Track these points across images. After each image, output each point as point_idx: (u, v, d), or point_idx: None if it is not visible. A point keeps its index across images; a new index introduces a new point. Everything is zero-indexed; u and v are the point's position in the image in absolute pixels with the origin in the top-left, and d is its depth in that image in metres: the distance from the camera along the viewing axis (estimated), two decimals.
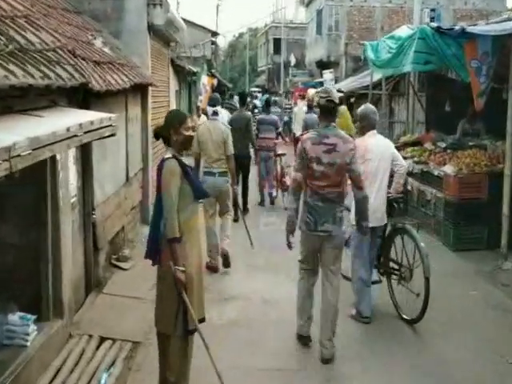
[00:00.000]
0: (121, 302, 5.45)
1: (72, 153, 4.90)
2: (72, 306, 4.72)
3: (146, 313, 4.81)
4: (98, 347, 4.48)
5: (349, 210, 4.98)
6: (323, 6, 26.59)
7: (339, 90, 17.02)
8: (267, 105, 11.78)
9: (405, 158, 7.23)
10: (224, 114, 11.17)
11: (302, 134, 5.00)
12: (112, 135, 4.16)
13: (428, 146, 9.55)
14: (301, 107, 16.34)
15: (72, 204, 4.92)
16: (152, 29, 8.84)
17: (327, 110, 4.53)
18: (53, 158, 4.16)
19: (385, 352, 4.73)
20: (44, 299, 4.31)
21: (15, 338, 3.87)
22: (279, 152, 10.98)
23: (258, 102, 24.53)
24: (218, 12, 34.71)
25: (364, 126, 5.37)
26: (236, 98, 21.92)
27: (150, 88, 8.58)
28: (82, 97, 4.89)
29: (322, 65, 26.59)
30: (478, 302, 5.86)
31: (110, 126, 4.05)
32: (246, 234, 6.86)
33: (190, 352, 3.82)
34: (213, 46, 28.62)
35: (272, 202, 10.63)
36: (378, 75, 11.97)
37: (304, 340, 4.78)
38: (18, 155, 2.56)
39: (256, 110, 21.06)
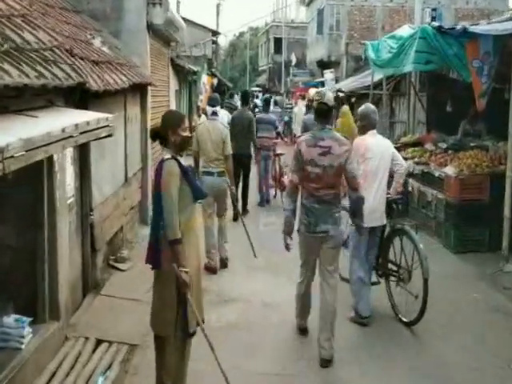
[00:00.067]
0: (118, 304, 5.41)
1: (69, 153, 4.86)
2: (68, 308, 4.68)
3: (143, 315, 4.74)
4: (94, 350, 4.44)
5: (346, 210, 4.96)
6: (324, 5, 26.54)
7: (340, 90, 17.00)
8: (266, 104, 11.84)
9: (405, 159, 7.20)
10: (223, 115, 11.16)
11: (300, 136, 5.02)
12: (109, 136, 4.11)
13: (429, 146, 9.50)
14: (301, 107, 16.34)
15: (69, 205, 4.88)
16: (151, 28, 8.81)
17: (321, 113, 4.57)
18: (49, 159, 4.11)
19: (383, 354, 4.70)
20: (40, 301, 4.27)
21: (10, 341, 3.82)
22: (278, 152, 11.04)
23: (258, 102, 24.55)
24: (218, 11, 34.51)
25: (364, 125, 5.37)
26: (236, 97, 21.93)
27: (149, 88, 8.54)
28: (80, 97, 4.84)
29: (323, 64, 26.55)
30: (478, 304, 5.81)
31: (107, 126, 4.00)
32: (246, 234, 6.80)
33: (187, 355, 3.80)
34: (213, 46, 28.62)
35: (267, 201, 10.62)
36: (378, 75, 11.93)
37: (302, 332, 4.99)
38: (12, 156, 2.51)
39: (257, 110, 21.05)
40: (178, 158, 3.65)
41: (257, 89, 41.08)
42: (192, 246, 3.69)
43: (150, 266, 3.71)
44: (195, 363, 3.94)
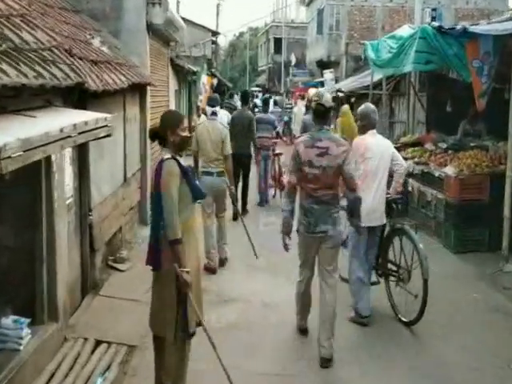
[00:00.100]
0: (117, 305, 5.39)
1: (68, 153, 4.85)
2: (67, 309, 4.66)
3: (142, 315, 4.71)
4: (93, 351, 4.42)
5: (345, 210, 4.97)
6: (324, 5, 26.54)
7: (339, 90, 16.99)
8: (265, 104, 11.88)
9: (405, 159, 7.18)
10: (223, 115, 11.17)
11: (299, 136, 5.04)
12: (108, 136, 4.10)
13: (429, 146, 9.49)
14: (300, 107, 16.33)
15: (68, 205, 4.86)
16: (151, 28, 8.80)
17: (319, 114, 4.60)
18: (47, 159, 4.09)
19: (383, 354, 4.70)
20: (38, 302, 4.25)
21: (8, 342, 3.80)
22: (277, 151, 11.09)
23: (258, 101, 24.55)
24: (218, 11, 34.51)
25: (364, 124, 5.38)
26: (236, 97, 21.93)
27: (148, 88, 8.53)
28: (79, 97, 4.83)
29: (323, 64, 26.54)
30: (478, 304, 5.80)
31: (106, 126, 3.98)
32: (246, 234, 6.78)
33: (187, 355, 3.78)
34: (213, 46, 28.61)
35: (266, 201, 10.62)
36: (378, 75, 11.91)
37: (302, 332, 4.98)
38: (9, 157, 2.50)
39: (256, 109, 21.06)
40: (178, 157, 3.64)
41: (257, 89, 41.08)
42: (191, 247, 3.68)
43: (151, 268, 3.70)
44: (195, 363, 3.93)
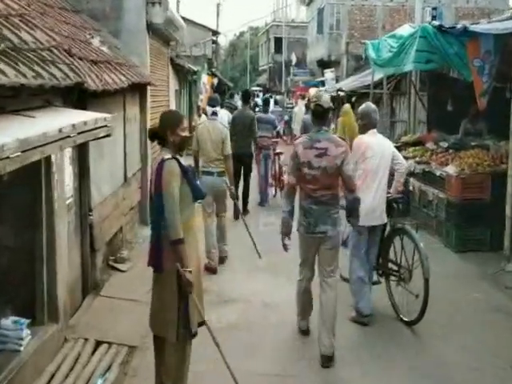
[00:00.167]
0: (118, 305, 5.38)
1: (68, 153, 4.84)
2: (67, 310, 4.65)
3: (143, 316, 4.69)
4: (93, 351, 4.41)
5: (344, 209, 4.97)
6: (324, 4, 26.51)
7: (340, 90, 16.96)
8: (265, 104, 11.88)
9: (406, 158, 7.17)
10: (223, 114, 11.17)
11: (299, 137, 5.06)
12: (107, 136, 4.08)
13: (430, 145, 9.47)
14: (301, 107, 16.32)
15: (68, 205, 4.85)
16: (151, 28, 8.79)
17: (317, 115, 4.62)
18: (47, 159, 4.08)
19: (384, 354, 4.68)
20: (38, 303, 4.24)
21: (8, 343, 3.79)
22: (277, 150, 11.12)
23: (259, 101, 24.52)
24: (218, 11, 34.47)
25: (365, 124, 5.38)
26: (237, 97, 21.93)
27: (148, 87, 8.52)
28: (78, 97, 4.81)
29: (323, 64, 26.53)
30: (479, 304, 5.78)
31: (105, 126, 3.97)
32: (247, 235, 6.77)
33: (187, 356, 3.75)
34: (213, 45, 28.58)
35: (266, 201, 10.62)
36: (379, 74, 11.89)
37: (303, 333, 4.97)
38: (7, 157, 2.49)
39: (257, 109, 21.04)
40: (178, 157, 3.63)
41: (257, 88, 41.04)
42: (192, 247, 3.66)
43: (153, 270, 3.67)
44: (195, 364, 3.91)
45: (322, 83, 24.40)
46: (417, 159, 9.00)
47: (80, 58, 5.01)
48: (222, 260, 6.88)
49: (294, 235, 4.78)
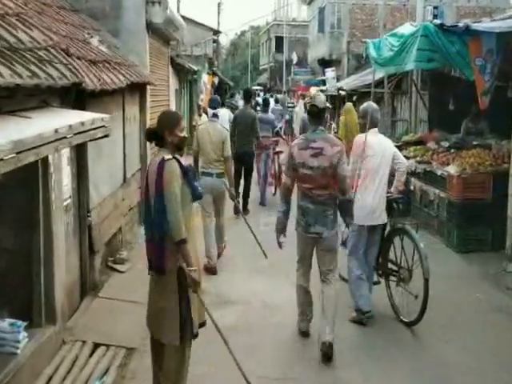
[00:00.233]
0: (117, 306, 5.34)
1: (66, 153, 4.80)
2: (65, 312, 4.60)
3: (141, 317, 4.62)
4: (91, 354, 4.37)
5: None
6: (325, 3, 26.46)
7: (341, 89, 16.93)
8: (265, 104, 11.88)
9: (407, 158, 7.13)
10: (225, 113, 11.20)
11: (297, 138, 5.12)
12: (105, 136, 4.04)
13: (431, 145, 9.43)
14: (301, 107, 16.23)
15: (66, 206, 4.82)
16: (151, 27, 8.76)
17: (313, 115, 4.69)
18: (44, 160, 4.04)
19: (384, 355, 4.66)
20: (36, 305, 4.20)
21: (5, 346, 3.74)
22: (277, 150, 11.17)
23: (260, 100, 24.47)
24: (219, 10, 34.41)
25: (366, 123, 5.37)
26: (238, 96, 21.87)
27: (148, 87, 8.48)
28: (77, 97, 4.77)
29: (324, 63, 26.48)
30: (481, 305, 5.74)
31: (103, 126, 3.92)
32: (245, 234, 6.74)
33: (187, 358, 3.70)
34: (214, 44, 28.53)
35: (265, 200, 10.55)
36: (380, 73, 11.82)
37: (303, 334, 4.97)
38: (1, 159, 2.45)
39: (258, 108, 21.01)
40: (178, 157, 3.59)
41: (258, 87, 41.00)
42: (191, 247, 3.62)
43: (156, 273, 3.61)
44: (195, 366, 3.86)
45: (323, 82, 24.36)
46: (418, 159, 8.96)
47: (78, 58, 4.97)
48: (218, 254, 6.88)
49: (292, 234, 4.83)
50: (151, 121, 8.47)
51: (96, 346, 4.50)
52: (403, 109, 13.10)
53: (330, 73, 23.96)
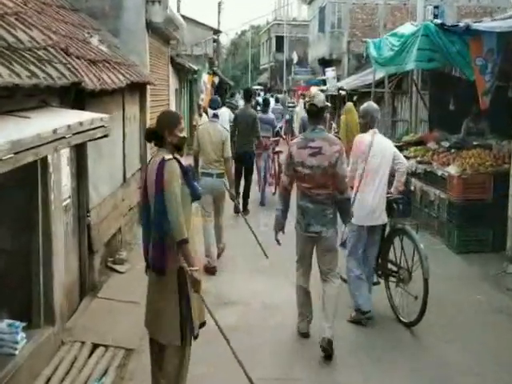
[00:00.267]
0: (116, 307, 5.33)
1: (66, 153, 4.78)
2: (64, 312, 4.59)
3: (141, 318, 4.60)
4: (90, 355, 4.36)
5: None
6: (326, 3, 26.45)
7: (341, 88, 16.91)
8: (265, 104, 11.88)
9: (408, 158, 7.11)
10: (225, 112, 11.20)
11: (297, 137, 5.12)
12: (104, 136, 4.03)
13: (431, 145, 9.41)
14: (301, 106, 16.21)
15: (65, 206, 4.80)
16: (151, 27, 8.75)
17: (312, 114, 4.70)
18: (44, 160, 4.02)
19: (384, 356, 4.64)
20: (34, 305, 4.19)
21: (3, 347, 3.73)
22: (277, 149, 11.18)
23: (260, 99, 24.46)
24: (219, 10, 34.39)
25: (366, 122, 5.36)
26: (238, 96, 21.85)
27: (148, 86, 8.46)
28: (76, 96, 4.76)
29: (325, 62, 26.47)
30: (481, 305, 5.73)
31: (102, 126, 3.91)
32: (246, 234, 6.72)
33: (187, 359, 3.69)
34: (215, 44, 28.50)
35: (264, 199, 10.53)
36: (380, 73, 11.82)
37: (303, 335, 4.96)
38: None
39: (258, 108, 20.99)
40: (178, 157, 3.58)
41: (259, 87, 41.00)
42: (191, 247, 3.61)
43: (157, 273, 3.60)
44: (194, 367, 3.84)
45: (324, 82, 24.34)
46: (418, 159, 8.94)
47: (78, 57, 4.96)
48: (217, 255, 6.87)
49: (292, 233, 4.84)
50: (151, 121, 8.45)
51: (95, 346, 4.48)
52: (403, 109, 13.09)
53: (330, 72, 23.94)
